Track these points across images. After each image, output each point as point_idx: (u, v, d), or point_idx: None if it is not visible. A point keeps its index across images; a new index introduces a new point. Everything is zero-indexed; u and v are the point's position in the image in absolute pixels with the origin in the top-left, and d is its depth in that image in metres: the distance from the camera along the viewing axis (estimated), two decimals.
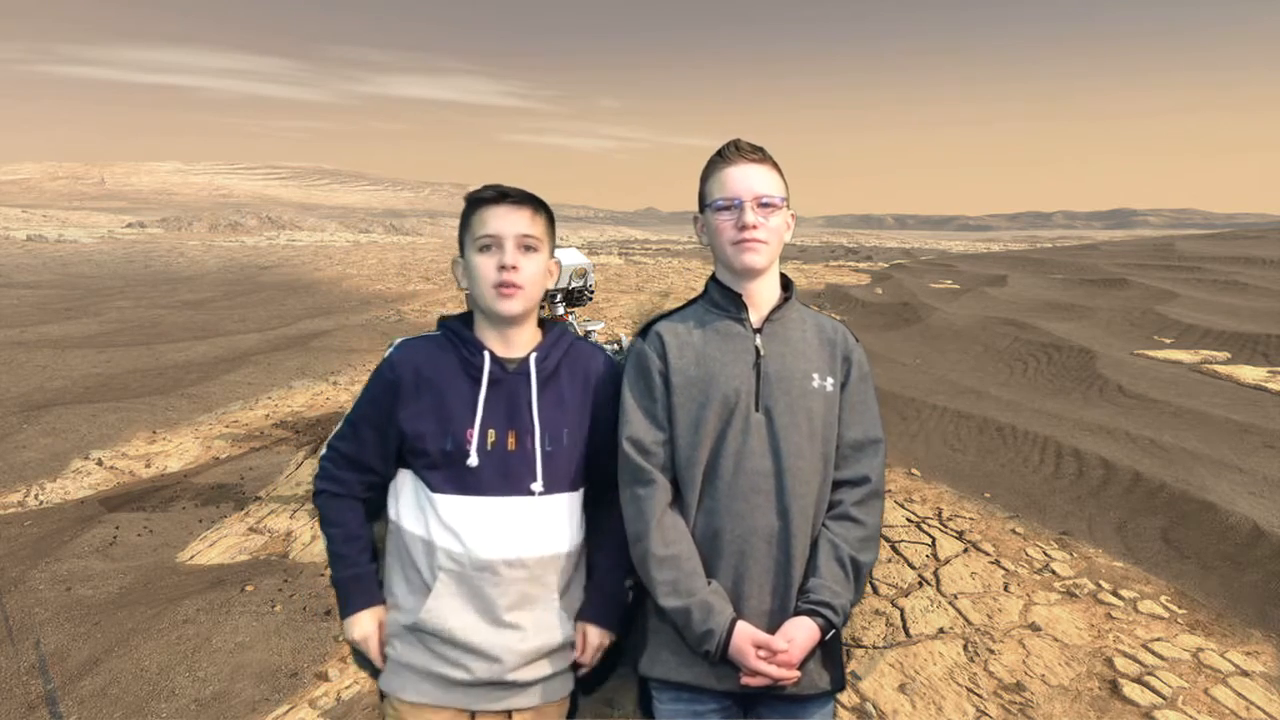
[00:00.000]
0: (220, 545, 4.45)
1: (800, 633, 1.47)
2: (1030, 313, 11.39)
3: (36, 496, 5.37)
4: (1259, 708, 2.81)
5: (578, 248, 5.47)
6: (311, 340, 11.19)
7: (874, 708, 2.87)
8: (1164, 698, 2.87)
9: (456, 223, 1.61)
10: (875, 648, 3.25)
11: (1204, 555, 3.91)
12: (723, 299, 1.59)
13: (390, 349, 1.57)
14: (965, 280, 16.10)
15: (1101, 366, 7.72)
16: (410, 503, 1.52)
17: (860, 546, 1.52)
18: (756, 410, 1.52)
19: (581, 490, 1.58)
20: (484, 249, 1.49)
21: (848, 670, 2.95)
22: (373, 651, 1.54)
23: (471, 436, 1.47)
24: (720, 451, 1.51)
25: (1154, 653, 3.15)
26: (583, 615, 1.57)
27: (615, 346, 4.49)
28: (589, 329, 4.49)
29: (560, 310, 4.28)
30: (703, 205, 1.60)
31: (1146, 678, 2.98)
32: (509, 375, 1.52)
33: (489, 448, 1.48)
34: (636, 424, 1.54)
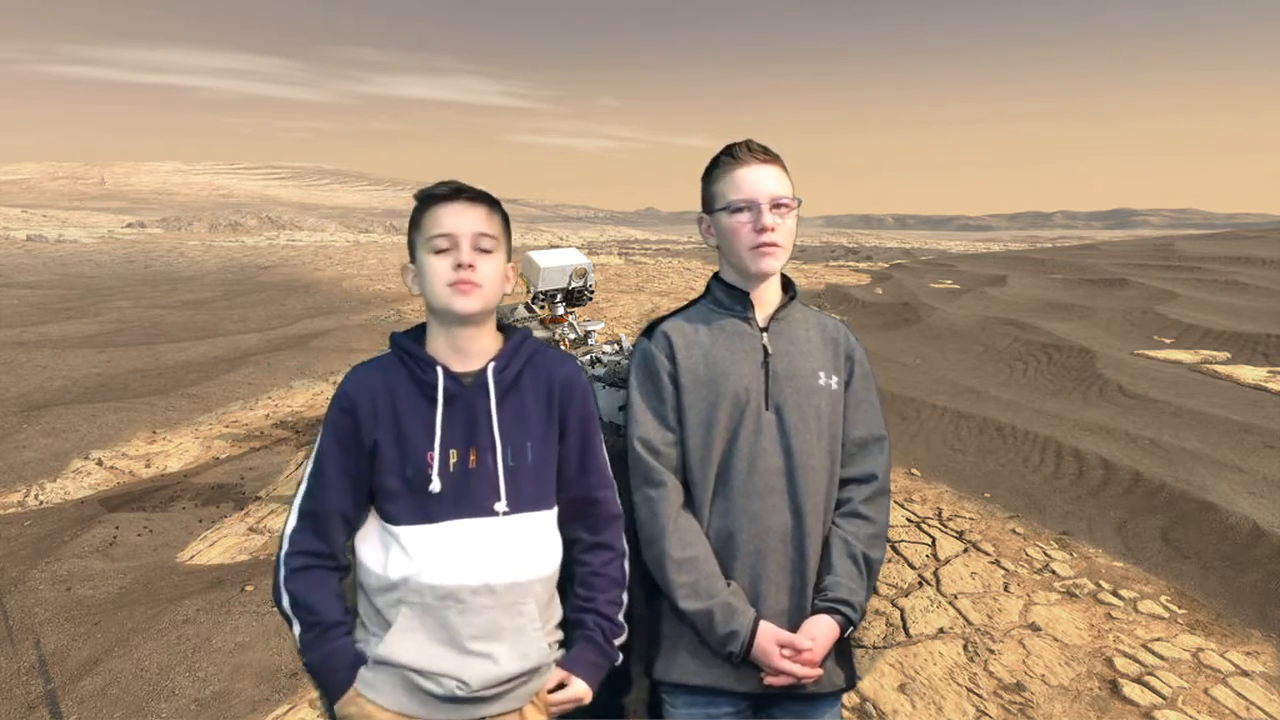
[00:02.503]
0: (220, 545, 4.45)
1: (822, 631, 1.47)
2: (1030, 313, 11.39)
3: (36, 496, 5.37)
4: (1259, 708, 2.81)
5: (578, 248, 5.47)
6: (311, 340, 11.18)
7: (874, 708, 2.87)
8: (1164, 698, 2.87)
9: None
10: (875, 648, 3.25)
11: (1204, 555, 3.91)
12: (729, 299, 1.58)
13: (344, 378, 1.45)
14: (965, 280, 16.10)
15: (1101, 366, 7.72)
16: (372, 537, 1.43)
17: (871, 543, 1.53)
18: (767, 409, 1.51)
19: (554, 510, 1.47)
20: (438, 250, 1.38)
21: None
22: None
23: (432, 459, 1.37)
24: (733, 451, 1.50)
25: (1154, 653, 3.15)
26: (567, 663, 1.46)
27: (615, 346, 4.48)
28: (589, 329, 4.47)
29: (560, 310, 4.27)
30: (710, 206, 1.57)
31: (1146, 678, 2.98)
32: (465, 390, 1.41)
33: (450, 469, 1.38)
34: (646, 425, 1.53)
